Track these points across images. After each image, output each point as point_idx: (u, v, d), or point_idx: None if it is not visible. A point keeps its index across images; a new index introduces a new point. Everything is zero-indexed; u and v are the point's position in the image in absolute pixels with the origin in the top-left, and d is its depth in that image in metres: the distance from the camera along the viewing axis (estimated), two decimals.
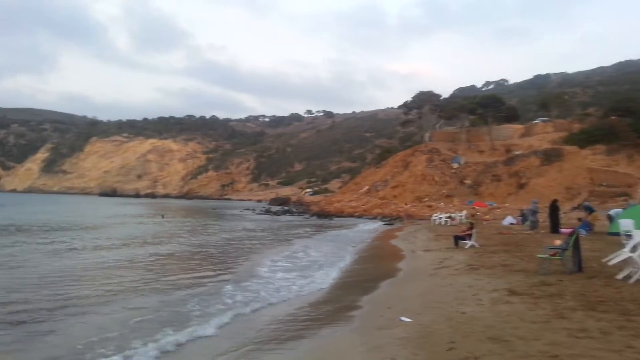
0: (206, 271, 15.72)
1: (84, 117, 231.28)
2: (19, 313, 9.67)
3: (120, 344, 7.64)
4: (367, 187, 62.35)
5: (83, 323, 9.13)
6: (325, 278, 14.04)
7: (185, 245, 23.37)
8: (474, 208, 42.73)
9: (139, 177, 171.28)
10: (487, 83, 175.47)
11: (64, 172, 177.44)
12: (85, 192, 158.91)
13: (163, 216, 48.42)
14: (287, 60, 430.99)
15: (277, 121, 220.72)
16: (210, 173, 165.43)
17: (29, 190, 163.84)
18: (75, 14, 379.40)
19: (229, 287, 12.35)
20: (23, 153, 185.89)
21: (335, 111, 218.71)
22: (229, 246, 23.29)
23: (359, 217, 49.15)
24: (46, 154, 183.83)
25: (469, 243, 16.48)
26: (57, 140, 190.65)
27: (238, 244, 24.37)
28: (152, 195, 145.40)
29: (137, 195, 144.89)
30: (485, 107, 62.72)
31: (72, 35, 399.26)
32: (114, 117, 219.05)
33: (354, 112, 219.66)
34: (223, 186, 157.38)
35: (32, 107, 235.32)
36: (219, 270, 15.72)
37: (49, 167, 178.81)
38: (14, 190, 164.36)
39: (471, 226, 17.75)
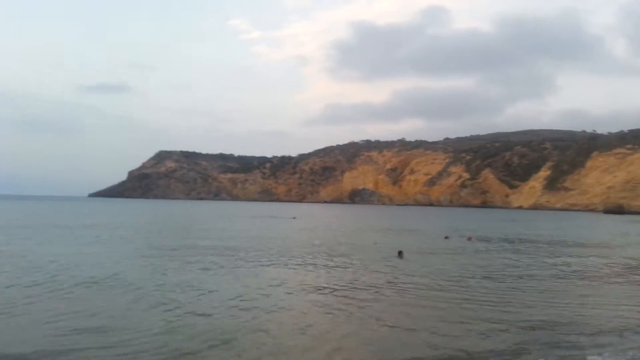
0: None
1: (583, 131, 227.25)
2: None
3: None
4: None
5: None
6: None
7: None
8: None
9: None
10: None
11: (566, 189, 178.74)
12: (588, 209, 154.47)
13: None
14: None
15: None
16: None
17: (533, 207, 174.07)
18: (571, 35, 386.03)
19: None
20: (526, 172, 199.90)
21: None
22: None
23: None
24: (547, 172, 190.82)
25: None
26: (557, 158, 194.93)
27: None
28: None
29: None
30: None
31: (568, 55, 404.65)
32: (613, 129, 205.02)
33: None
34: None
35: (532, 129, 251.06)
36: None
37: (551, 184, 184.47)
38: (519, 207, 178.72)
39: None
